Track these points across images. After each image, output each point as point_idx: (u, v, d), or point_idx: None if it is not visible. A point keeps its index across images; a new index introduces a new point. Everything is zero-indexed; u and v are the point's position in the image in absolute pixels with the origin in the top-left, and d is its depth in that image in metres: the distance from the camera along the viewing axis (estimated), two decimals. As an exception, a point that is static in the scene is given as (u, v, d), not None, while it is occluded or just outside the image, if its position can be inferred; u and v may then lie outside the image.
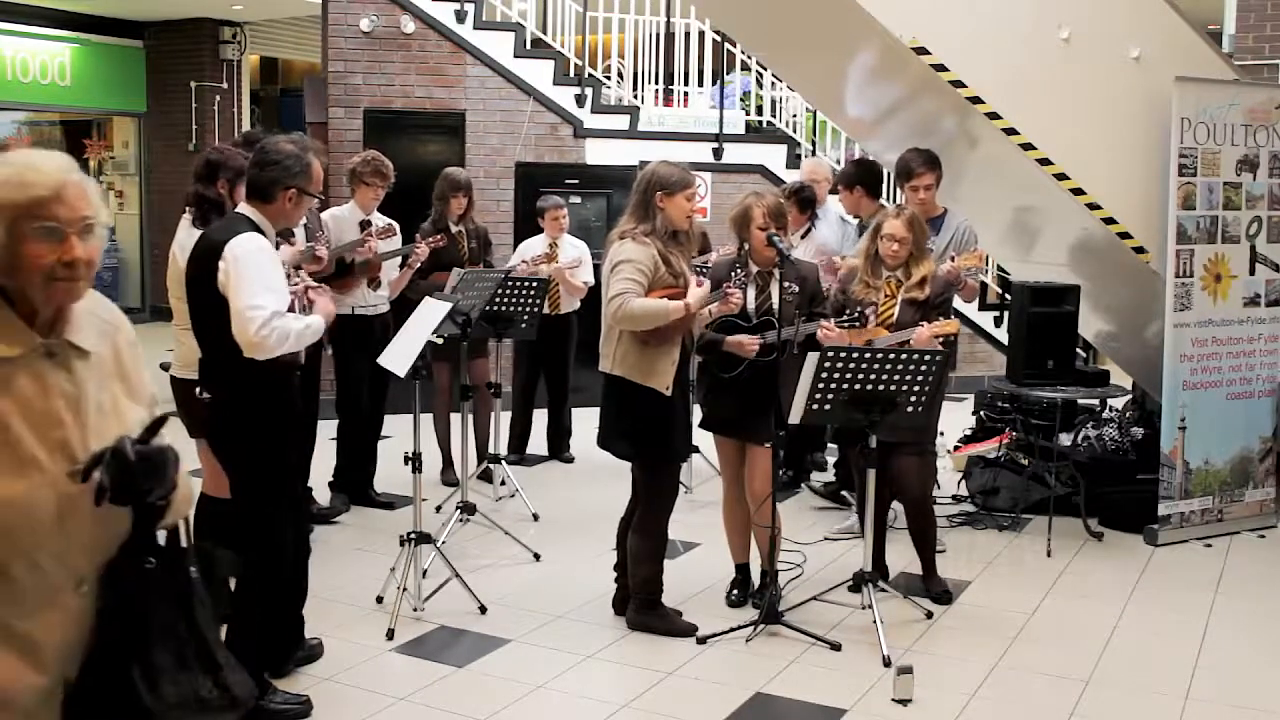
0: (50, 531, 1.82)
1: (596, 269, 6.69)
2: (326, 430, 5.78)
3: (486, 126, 8.76)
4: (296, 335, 3.59)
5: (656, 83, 10.06)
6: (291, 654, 4.08)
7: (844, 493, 6.31)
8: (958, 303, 5.90)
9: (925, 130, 5.87)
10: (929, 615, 4.74)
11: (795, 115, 10.32)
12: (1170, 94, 5.64)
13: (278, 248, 3.91)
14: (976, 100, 5.41)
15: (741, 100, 10.18)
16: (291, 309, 3.71)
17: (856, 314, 4.68)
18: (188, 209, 4.53)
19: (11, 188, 1.82)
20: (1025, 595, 5.03)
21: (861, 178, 6.28)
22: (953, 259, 5.19)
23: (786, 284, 4.54)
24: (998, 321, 9.89)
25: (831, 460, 6.77)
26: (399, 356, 4.70)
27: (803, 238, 6.23)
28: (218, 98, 13.28)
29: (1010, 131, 5.48)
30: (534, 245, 6.89)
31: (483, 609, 4.67)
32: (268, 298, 3.52)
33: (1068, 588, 5.17)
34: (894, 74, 5.64)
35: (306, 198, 3.75)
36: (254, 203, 3.72)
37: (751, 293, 4.62)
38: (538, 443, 7.29)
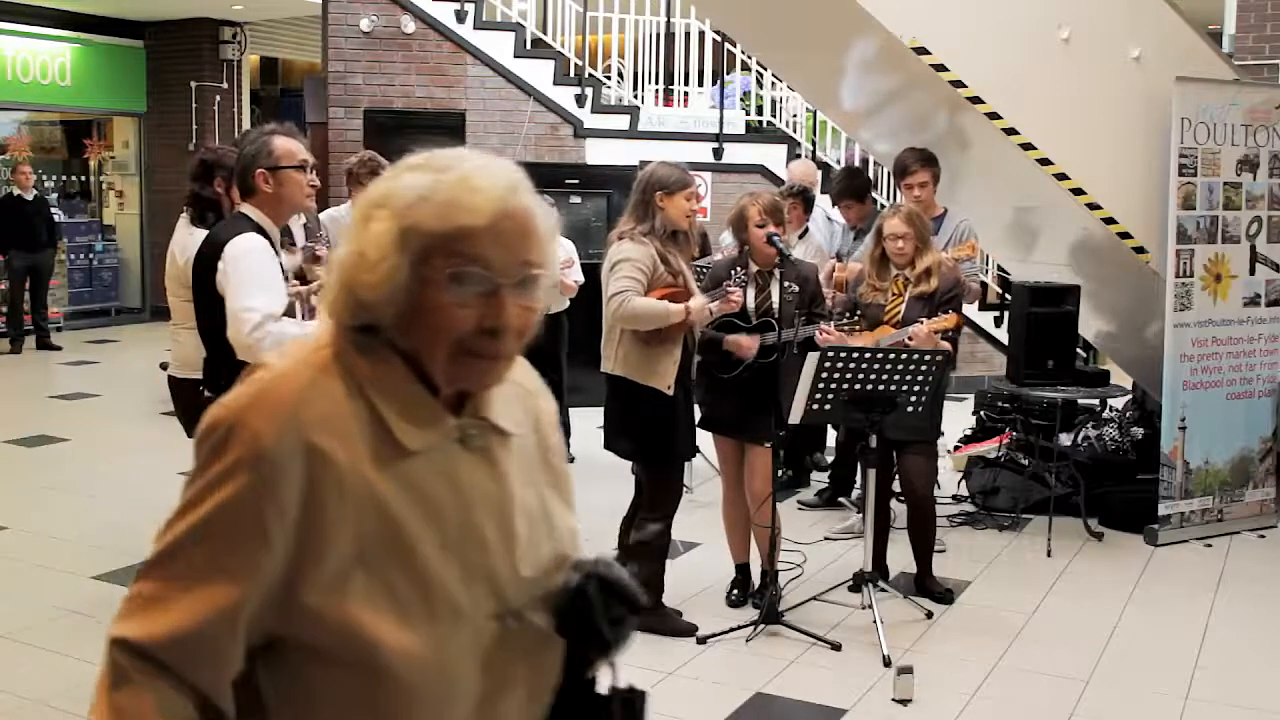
0: (470, 698, 1.29)
1: (586, 268, 6.71)
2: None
3: (486, 126, 8.77)
4: (289, 339, 3.58)
5: (656, 83, 10.07)
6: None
7: (840, 498, 6.30)
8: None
9: (920, 122, 5.88)
10: (929, 615, 4.74)
11: (795, 115, 10.33)
12: (1170, 94, 5.64)
13: (277, 253, 3.91)
14: (977, 100, 5.41)
15: (741, 100, 10.18)
16: (290, 313, 3.70)
17: (856, 316, 4.69)
18: (185, 209, 4.54)
19: (433, 208, 1.23)
20: (1025, 595, 5.03)
21: (866, 186, 6.33)
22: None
23: (787, 284, 4.54)
24: (998, 321, 9.89)
25: (828, 460, 6.77)
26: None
27: (800, 238, 6.24)
28: (218, 98, 13.28)
29: (1010, 131, 5.48)
30: None
31: (483, 609, 4.66)
32: (261, 299, 3.51)
33: (1068, 588, 5.17)
34: (891, 68, 5.64)
35: (285, 173, 3.66)
36: (247, 200, 3.73)
37: (751, 292, 4.62)
38: (538, 443, 7.28)
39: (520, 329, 1.30)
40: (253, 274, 3.54)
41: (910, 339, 4.58)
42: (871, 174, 9.54)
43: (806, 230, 6.37)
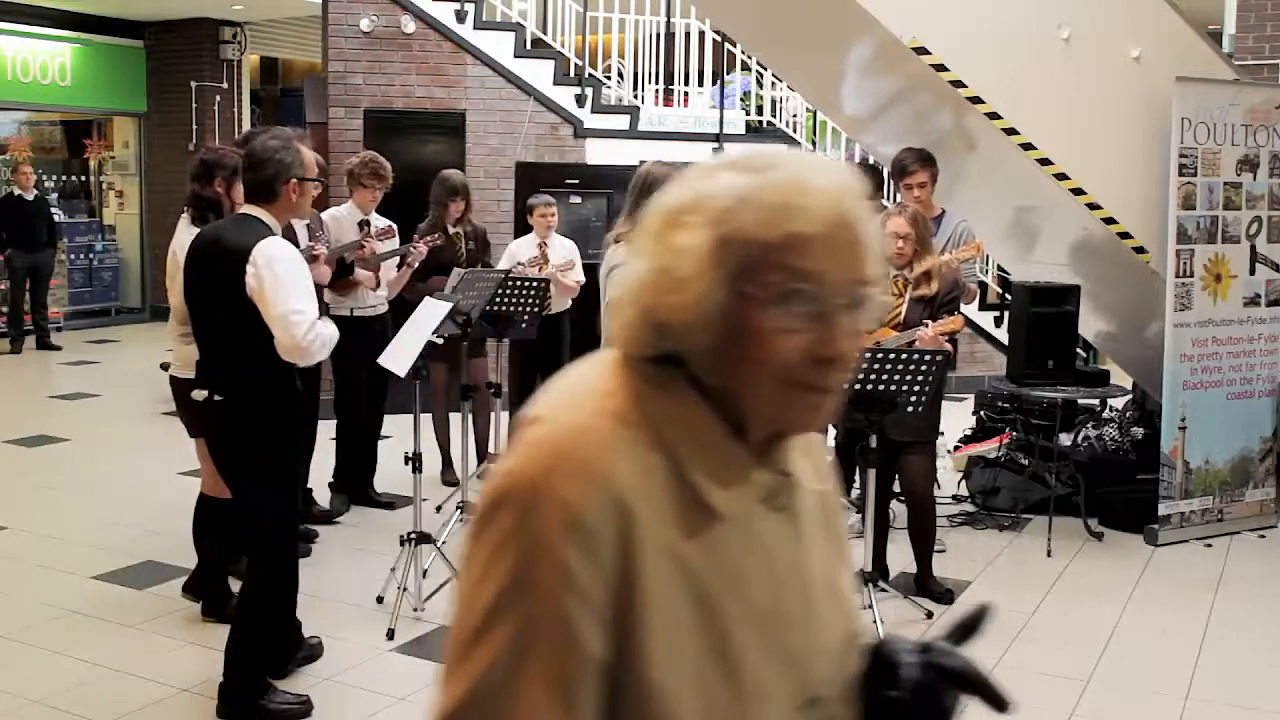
0: None
1: (586, 268, 6.71)
2: (326, 430, 5.79)
3: (486, 126, 8.76)
4: (330, 340, 3.64)
5: (656, 83, 10.06)
6: (292, 654, 4.09)
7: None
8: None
9: (922, 124, 5.88)
10: (929, 615, 4.74)
11: (795, 115, 10.32)
12: (1170, 94, 5.64)
13: None
14: (977, 100, 5.41)
15: (741, 100, 10.18)
16: None
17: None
18: (186, 209, 4.54)
19: (758, 213, 1.04)
20: (1025, 595, 5.03)
21: (877, 185, 6.32)
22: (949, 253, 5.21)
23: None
24: (998, 321, 9.89)
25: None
26: (399, 357, 4.70)
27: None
28: (218, 98, 13.29)
29: (1010, 131, 5.48)
30: (523, 246, 6.87)
31: (483, 609, 4.66)
32: (306, 302, 3.55)
33: (1068, 588, 5.17)
34: (892, 69, 5.64)
35: (308, 184, 3.75)
36: (257, 203, 3.70)
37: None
38: (538, 443, 7.27)
39: (852, 359, 1.09)
40: (293, 277, 3.55)
41: (915, 343, 4.59)
42: (871, 174, 9.56)
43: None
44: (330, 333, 3.64)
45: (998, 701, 1.17)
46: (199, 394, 3.76)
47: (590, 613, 0.99)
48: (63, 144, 14.23)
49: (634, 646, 1.01)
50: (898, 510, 5.37)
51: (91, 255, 13.33)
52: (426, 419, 6.07)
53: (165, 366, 4.90)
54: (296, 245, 5.06)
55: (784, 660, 1.10)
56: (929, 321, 4.63)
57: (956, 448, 6.97)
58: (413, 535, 4.63)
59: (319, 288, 4.93)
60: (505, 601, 1.00)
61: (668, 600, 1.02)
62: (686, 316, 1.05)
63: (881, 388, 4.26)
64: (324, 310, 4.83)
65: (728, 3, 6.53)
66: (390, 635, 4.41)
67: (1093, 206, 5.69)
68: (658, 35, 10.06)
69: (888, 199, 9.76)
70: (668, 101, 10.11)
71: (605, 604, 1.00)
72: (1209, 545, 5.83)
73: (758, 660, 1.07)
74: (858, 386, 4.25)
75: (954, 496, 6.43)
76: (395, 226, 6.07)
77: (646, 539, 1.01)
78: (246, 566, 3.93)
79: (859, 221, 1.07)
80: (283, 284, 3.51)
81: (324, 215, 5.94)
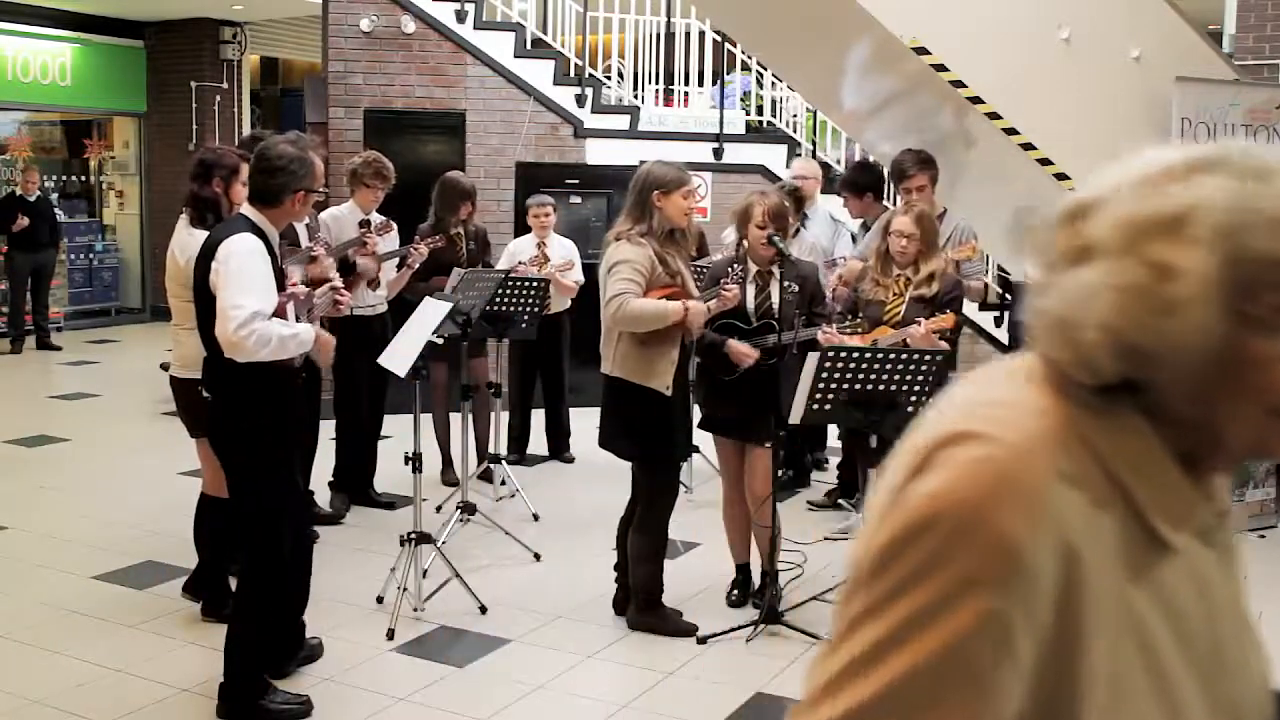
0: None
1: (587, 268, 6.71)
2: (326, 430, 5.78)
3: (486, 126, 8.76)
4: (279, 341, 3.58)
5: (656, 83, 10.06)
6: (293, 655, 4.09)
7: (841, 500, 6.29)
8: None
9: (922, 123, 5.87)
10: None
11: (795, 115, 10.32)
12: (1170, 94, 5.64)
13: (282, 258, 3.92)
14: (977, 100, 5.41)
15: (741, 100, 10.18)
16: (282, 315, 3.70)
17: (859, 319, 4.69)
18: (184, 209, 4.55)
19: (1272, 226, 0.92)
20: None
21: (871, 183, 6.30)
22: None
23: (786, 284, 4.54)
24: (998, 321, 9.87)
25: (834, 461, 6.77)
26: (399, 357, 4.71)
27: (792, 236, 6.23)
28: (218, 98, 13.28)
29: (1010, 131, 5.49)
30: (523, 246, 6.88)
31: (483, 609, 4.67)
32: (250, 299, 3.53)
33: (1068, 588, 5.16)
34: (892, 68, 5.64)
35: (312, 195, 3.82)
36: (258, 206, 3.73)
37: (751, 292, 4.62)
38: (538, 443, 7.29)
39: None
40: (244, 273, 3.57)
41: (908, 340, 4.58)
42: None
43: (799, 229, 6.36)
44: (277, 332, 3.57)
45: None
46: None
47: (1013, 666, 0.89)
48: (63, 144, 14.23)
49: (1070, 702, 0.92)
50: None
51: (91, 255, 13.33)
52: (426, 419, 6.07)
53: (165, 367, 4.91)
54: (297, 244, 5.07)
55: (1221, 710, 1.00)
56: (921, 320, 4.62)
57: (956, 448, 6.94)
58: (413, 535, 4.63)
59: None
60: (910, 635, 0.89)
61: (1113, 651, 0.92)
62: (1177, 342, 0.92)
63: (881, 388, 4.26)
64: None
65: (728, 3, 6.54)
66: (390, 635, 4.41)
67: (1093, 206, 5.68)
68: (658, 35, 10.06)
69: (888, 200, 9.76)
70: (668, 101, 10.11)
71: (1033, 656, 0.90)
72: (1209, 545, 5.83)
73: (1198, 711, 0.98)
74: (857, 386, 4.25)
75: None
76: (394, 223, 6.07)
77: (1091, 584, 0.91)
78: (241, 562, 3.94)
79: None
80: (231, 278, 3.54)
81: (324, 215, 5.93)
